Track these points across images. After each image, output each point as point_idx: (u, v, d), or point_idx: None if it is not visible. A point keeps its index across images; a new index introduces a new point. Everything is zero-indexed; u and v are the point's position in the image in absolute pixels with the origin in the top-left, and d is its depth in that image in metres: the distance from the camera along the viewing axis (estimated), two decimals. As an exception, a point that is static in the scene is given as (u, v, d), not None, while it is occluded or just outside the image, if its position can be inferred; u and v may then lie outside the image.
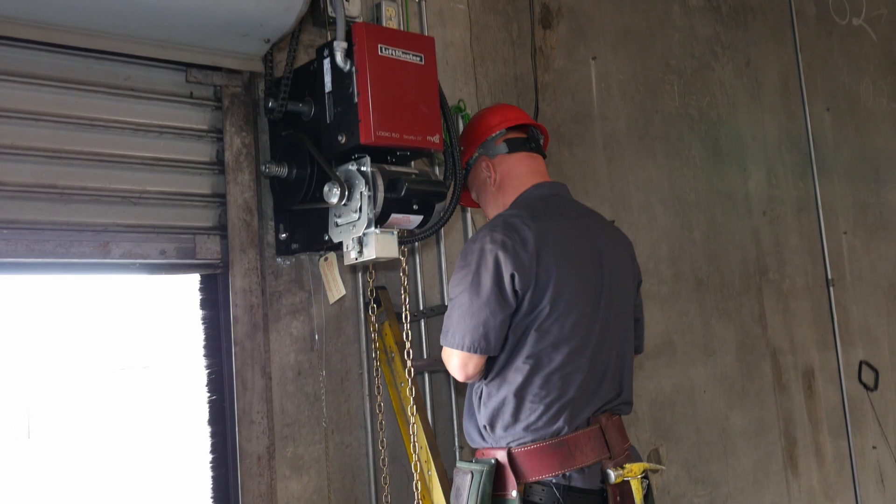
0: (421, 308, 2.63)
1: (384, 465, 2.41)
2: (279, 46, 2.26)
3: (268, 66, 2.26)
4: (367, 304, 2.47)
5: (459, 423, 2.63)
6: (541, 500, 2.00)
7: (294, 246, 2.32)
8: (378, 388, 2.47)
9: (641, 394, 3.29)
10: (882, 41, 5.09)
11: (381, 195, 2.02)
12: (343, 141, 2.04)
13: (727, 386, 3.69)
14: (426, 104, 2.10)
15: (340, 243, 2.13)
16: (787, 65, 4.37)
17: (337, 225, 2.11)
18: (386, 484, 2.42)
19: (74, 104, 2.05)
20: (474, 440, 2.13)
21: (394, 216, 2.06)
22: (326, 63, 2.09)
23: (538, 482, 2.01)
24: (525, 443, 2.02)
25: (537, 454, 2.01)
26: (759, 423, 3.80)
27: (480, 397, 2.09)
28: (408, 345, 2.30)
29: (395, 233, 2.11)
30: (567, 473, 2.01)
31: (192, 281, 2.31)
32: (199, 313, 2.30)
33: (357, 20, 2.38)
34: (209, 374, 2.28)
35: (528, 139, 2.31)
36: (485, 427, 2.07)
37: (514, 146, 2.29)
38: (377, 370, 2.47)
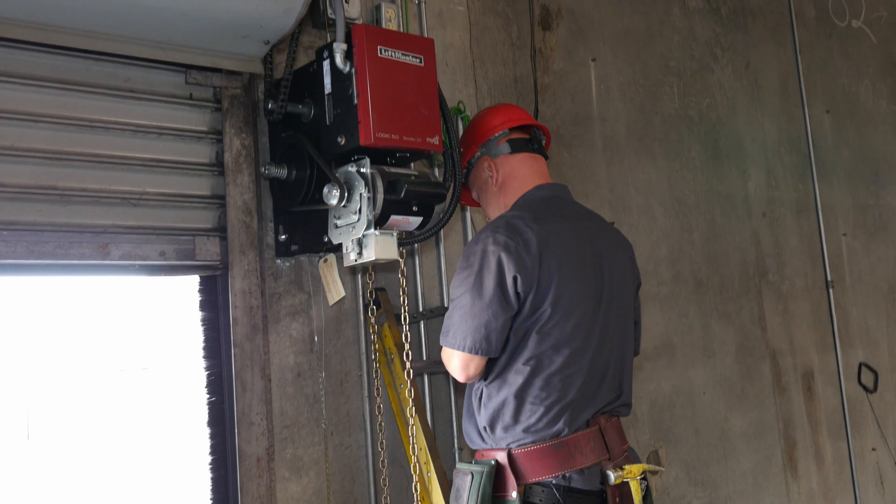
0: (420, 310, 2.63)
1: (384, 467, 2.41)
2: (279, 48, 2.26)
3: (267, 68, 2.26)
4: (366, 306, 2.47)
5: (459, 424, 2.62)
6: (541, 500, 2.00)
7: (293, 247, 2.32)
8: (377, 389, 2.47)
9: (641, 395, 3.29)
10: (881, 43, 5.09)
11: (380, 197, 2.02)
12: (343, 142, 2.04)
13: (727, 388, 3.69)
14: (426, 106, 2.10)
15: (340, 245, 2.13)
16: (787, 67, 4.37)
17: (336, 226, 2.11)
18: (385, 485, 2.42)
19: (74, 105, 2.05)
20: (474, 441, 2.13)
21: (393, 218, 2.06)
22: (326, 64, 2.10)
23: (538, 483, 2.01)
24: (525, 444, 2.02)
25: (537, 455, 2.01)
26: (758, 424, 3.80)
27: (480, 398, 2.09)
28: (407, 346, 2.30)
29: (395, 234, 2.11)
30: (567, 474, 2.01)
31: (192, 282, 2.31)
32: (199, 315, 2.30)
33: (357, 22, 2.38)
34: (208, 376, 2.28)
35: (530, 140, 2.31)
36: (485, 428, 2.07)
37: (516, 147, 2.29)
38: (376, 372, 2.47)
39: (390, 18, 2.54)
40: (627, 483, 2.06)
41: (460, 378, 2.06)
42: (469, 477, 2.02)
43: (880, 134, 4.93)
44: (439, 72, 2.68)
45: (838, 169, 4.56)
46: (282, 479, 2.30)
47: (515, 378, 2.02)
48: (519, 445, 2.02)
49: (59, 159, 2.02)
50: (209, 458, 2.27)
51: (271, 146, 2.35)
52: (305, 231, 2.27)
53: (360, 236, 2.06)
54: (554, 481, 2.00)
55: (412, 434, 2.34)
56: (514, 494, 1.99)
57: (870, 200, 4.75)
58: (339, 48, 2.02)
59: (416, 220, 2.12)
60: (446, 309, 2.62)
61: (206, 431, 2.27)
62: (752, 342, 3.85)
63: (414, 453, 2.35)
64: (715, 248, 3.75)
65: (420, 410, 2.35)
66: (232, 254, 2.26)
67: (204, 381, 2.28)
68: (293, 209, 2.23)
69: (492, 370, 2.06)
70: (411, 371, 2.30)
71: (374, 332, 2.46)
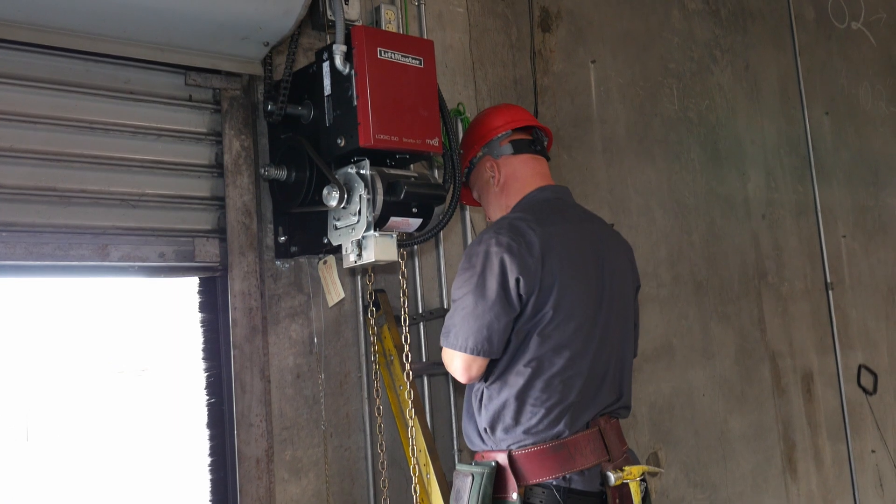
0: (420, 311, 2.63)
1: (383, 469, 2.41)
2: (278, 49, 2.26)
3: (267, 70, 2.26)
4: (366, 308, 2.47)
5: (458, 426, 2.62)
6: (541, 502, 2.00)
7: (293, 249, 2.32)
8: (377, 391, 2.47)
9: (640, 397, 3.29)
10: (881, 45, 5.09)
11: (380, 198, 2.02)
12: (342, 144, 2.04)
13: (726, 389, 3.69)
14: (425, 107, 2.10)
15: (339, 246, 2.13)
16: (787, 68, 4.38)
17: (336, 228, 2.11)
18: (385, 487, 2.41)
19: (74, 107, 2.05)
20: (474, 443, 2.13)
21: (393, 219, 2.06)
22: (325, 66, 2.10)
23: (538, 484, 2.01)
24: (525, 445, 2.02)
25: (538, 457, 2.01)
26: (758, 426, 3.80)
27: (481, 400, 2.09)
28: (407, 348, 2.30)
29: (395, 236, 2.11)
30: (567, 476, 2.01)
31: (191, 284, 2.31)
32: (198, 316, 2.30)
33: (356, 23, 2.38)
34: (208, 377, 2.28)
35: (533, 141, 2.31)
36: (485, 430, 2.07)
37: (519, 147, 2.29)
38: (376, 373, 2.47)
39: (390, 20, 2.54)
40: (627, 484, 2.07)
41: (462, 379, 2.06)
42: (469, 478, 2.02)
43: (880, 135, 4.93)
44: (439, 73, 2.68)
45: (838, 170, 4.56)
46: (281, 480, 2.30)
47: (516, 380, 2.02)
48: (519, 447, 2.02)
49: (58, 161, 2.02)
50: (208, 460, 2.26)
51: (271, 148, 2.35)
52: (305, 232, 2.27)
53: (360, 238, 2.06)
54: (554, 482, 2.00)
55: (412, 436, 2.34)
56: (514, 496, 1.99)
57: (869, 202, 4.76)
58: (339, 50, 2.03)
59: (415, 222, 2.12)
60: (446, 311, 2.62)
61: (206, 433, 2.27)
62: (751, 344, 3.85)
63: (413, 455, 2.35)
64: (714, 250, 3.75)
65: (419, 412, 2.35)
66: (231, 255, 2.26)
67: (203, 383, 2.28)
68: (293, 211, 2.23)
69: (492, 372, 2.06)
70: (411, 373, 2.30)
71: (373, 333, 2.46)
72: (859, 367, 4.44)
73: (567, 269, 2.05)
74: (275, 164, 2.21)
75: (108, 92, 2.10)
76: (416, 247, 2.61)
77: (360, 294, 2.51)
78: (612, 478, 2.04)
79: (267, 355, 2.31)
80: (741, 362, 3.78)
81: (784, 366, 4.00)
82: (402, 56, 2.07)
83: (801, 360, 4.11)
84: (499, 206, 2.29)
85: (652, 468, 2.19)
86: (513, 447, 2.03)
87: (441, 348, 2.09)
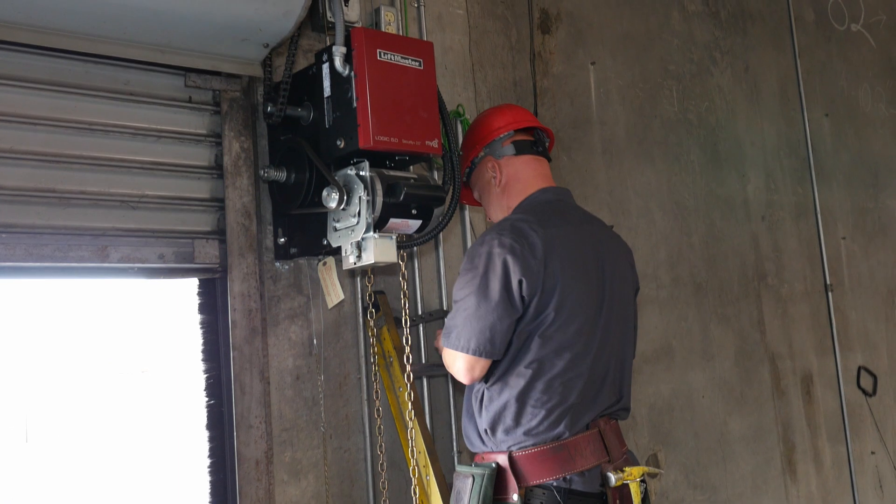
0: (420, 313, 2.63)
1: (382, 470, 2.41)
2: (278, 51, 2.26)
3: (267, 71, 2.26)
4: (365, 309, 2.47)
5: (458, 427, 2.62)
6: (542, 503, 2.00)
7: (293, 250, 2.32)
8: (376, 392, 2.47)
9: (640, 398, 3.29)
10: (881, 47, 5.09)
11: (379, 200, 2.02)
12: (342, 145, 2.04)
13: (726, 391, 3.69)
14: (425, 109, 2.10)
15: (339, 248, 2.13)
16: (786, 70, 4.38)
17: (336, 229, 2.11)
18: (384, 489, 2.41)
19: (74, 108, 2.05)
20: (474, 444, 2.12)
21: (392, 221, 2.06)
22: (325, 68, 2.10)
23: (539, 485, 2.01)
24: (526, 447, 2.02)
25: (538, 458, 2.01)
26: (757, 428, 3.80)
27: (481, 401, 2.09)
28: (407, 349, 2.30)
29: (394, 237, 2.11)
30: (567, 477, 2.01)
31: (191, 285, 2.31)
32: (198, 317, 2.30)
33: (356, 25, 2.38)
34: (207, 379, 2.28)
35: (535, 142, 2.31)
36: (486, 431, 2.07)
37: (521, 148, 2.29)
38: (376, 375, 2.47)
39: (389, 22, 2.54)
40: (628, 485, 2.07)
41: (464, 380, 2.06)
42: (470, 480, 2.01)
43: (879, 137, 4.93)
44: (438, 75, 2.69)
45: (837, 172, 4.56)
46: (280, 482, 2.30)
47: (517, 381, 2.02)
48: (520, 448, 2.02)
49: (58, 162, 2.02)
50: (208, 462, 2.26)
51: (270, 149, 2.35)
52: (304, 234, 2.27)
53: (360, 239, 2.06)
54: (555, 483, 2.00)
55: (411, 437, 2.34)
56: (514, 497, 1.99)
57: (869, 204, 4.76)
58: (339, 51, 2.03)
59: (415, 223, 2.12)
60: (445, 312, 2.62)
61: (205, 434, 2.27)
62: (751, 345, 3.85)
63: (413, 456, 2.35)
64: (714, 252, 3.75)
65: (419, 413, 2.35)
66: (231, 257, 2.26)
67: (203, 384, 2.28)
68: (292, 212, 2.23)
69: (493, 373, 2.06)
70: (411, 374, 2.30)
71: (373, 335, 2.46)
72: (859, 369, 4.44)
73: (569, 271, 2.05)
74: (274, 166, 2.21)
75: (107, 93, 2.11)
76: (415, 248, 2.61)
77: (359, 295, 2.51)
78: (613, 478, 2.04)
79: (266, 357, 2.31)
80: (741, 364, 3.78)
81: (784, 367, 4.00)
82: (402, 58, 2.07)
83: (801, 361, 4.11)
84: (500, 207, 2.29)
85: (652, 469, 2.19)
86: (513, 448, 2.03)
87: (436, 348, 2.09)
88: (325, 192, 2.03)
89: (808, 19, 4.60)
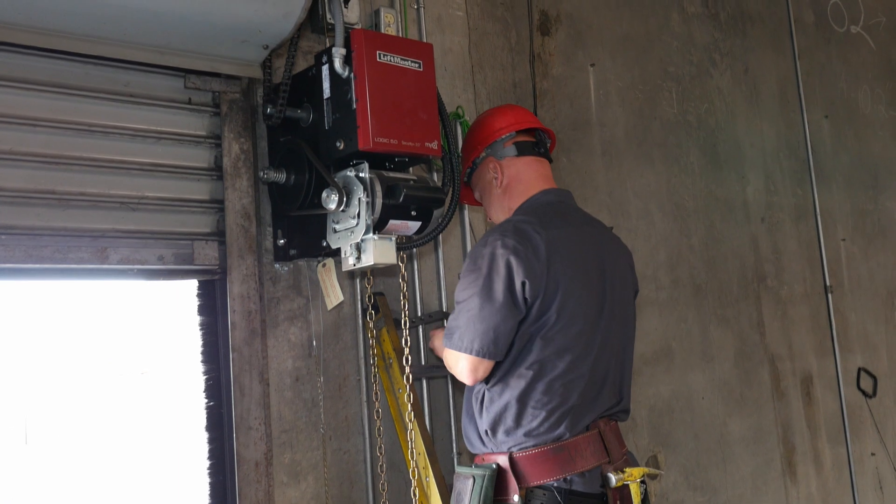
0: (419, 314, 2.63)
1: (382, 472, 2.41)
2: (278, 53, 2.26)
3: (266, 73, 2.26)
4: (365, 311, 2.47)
5: (458, 428, 2.62)
6: (542, 503, 2.00)
7: (292, 252, 2.32)
8: (376, 394, 2.47)
9: (640, 400, 3.29)
10: (880, 48, 5.10)
11: (379, 201, 2.02)
12: (341, 147, 2.04)
13: (725, 392, 3.69)
14: (424, 110, 2.10)
15: (338, 249, 2.13)
16: (786, 72, 4.38)
17: (335, 231, 2.11)
18: (384, 490, 2.41)
19: (73, 110, 2.05)
20: (474, 445, 2.12)
21: (392, 222, 2.06)
22: (325, 69, 2.10)
23: (540, 486, 2.01)
24: (526, 448, 2.02)
25: (538, 459, 2.01)
26: (757, 429, 3.80)
27: (482, 402, 2.09)
28: (406, 351, 2.30)
29: (394, 239, 2.11)
30: (568, 477, 2.01)
31: (190, 287, 2.30)
32: (197, 319, 2.30)
33: (356, 27, 2.39)
34: (207, 380, 2.28)
35: (536, 143, 2.31)
36: (486, 432, 2.07)
37: (522, 149, 2.29)
38: (375, 376, 2.47)
39: (389, 23, 2.54)
40: (628, 486, 2.07)
41: (468, 381, 2.06)
42: (470, 481, 2.01)
43: (879, 139, 4.94)
44: (438, 77, 2.69)
45: (837, 174, 4.56)
46: (280, 483, 2.30)
47: (518, 382, 2.02)
48: (520, 449, 2.02)
49: (57, 163, 2.02)
50: (207, 463, 2.26)
51: (270, 151, 2.34)
52: (304, 235, 2.26)
53: (359, 241, 2.06)
54: (555, 484, 2.00)
55: (411, 438, 2.34)
56: (515, 498, 1.99)
57: (868, 205, 4.76)
58: (338, 53, 2.02)
59: (414, 225, 2.12)
60: (445, 314, 2.62)
61: (205, 436, 2.27)
62: (750, 347, 3.85)
63: (413, 458, 2.35)
64: (714, 253, 3.75)
65: (419, 415, 2.34)
66: (230, 258, 2.25)
67: (202, 386, 2.28)
68: (292, 214, 2.23)
69: (494, 374, 2.06)
70: (410, 376, 2.30)
71: (372, 336, 2.46)
72: (859, 370, 4.44)
73: (570, 272, 2.05)
74: (274, 167, 2.21)
75: (107, 95, 2.10)
76: (415, 250, 2.60)
77: (359, 297, 2.51)
78: (614, 479, 2.05)
79: (266, 358, 2.30)
80: (740, 365, 3.78)
81: (783, 369, 4.00)
82: (402, 59, 2.07)
83: (801, 363, 4.11)
84: (501, 208, 2.29)
85: (652, 470, 2.19)
86: (514, 449, 2.03)
87: (430, 349, 2.09)
88: (324, 194, 2.03)
89: (807, 21, 4.60)
